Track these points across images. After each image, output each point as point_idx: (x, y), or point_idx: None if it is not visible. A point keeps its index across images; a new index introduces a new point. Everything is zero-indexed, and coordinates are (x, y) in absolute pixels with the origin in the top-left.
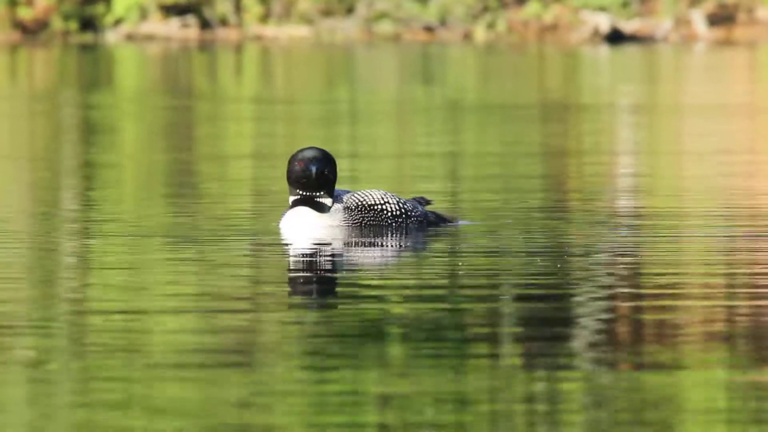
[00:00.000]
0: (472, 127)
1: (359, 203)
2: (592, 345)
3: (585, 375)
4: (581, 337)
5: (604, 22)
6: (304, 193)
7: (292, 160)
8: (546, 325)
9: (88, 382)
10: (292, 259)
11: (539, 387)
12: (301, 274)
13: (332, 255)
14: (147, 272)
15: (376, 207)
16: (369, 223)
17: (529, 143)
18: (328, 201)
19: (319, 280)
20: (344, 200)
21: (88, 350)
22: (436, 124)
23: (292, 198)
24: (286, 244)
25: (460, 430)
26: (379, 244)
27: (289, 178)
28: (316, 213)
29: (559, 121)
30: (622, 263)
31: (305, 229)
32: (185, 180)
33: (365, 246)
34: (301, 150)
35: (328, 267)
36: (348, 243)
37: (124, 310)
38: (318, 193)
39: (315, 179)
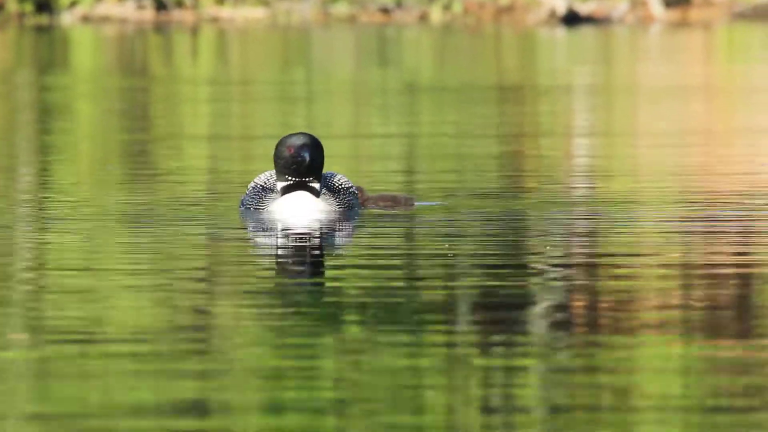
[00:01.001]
0: (428, 109)
1: (338, 186)
2: (548, 325)
3: (540, 354)
4: (536, 317)
5: (560, 4)
6: (295, 179)
7: (281, 146)
8: (501, 306)
9: (44, 362)
10: (278, 241)
11: (495, 366)
12: (268, 256)
13: (304, 237)
14: (104, 253)
15: (350, 189)
16: (350, 205)
17: (486, 125)
18: (317, 185)
19: (282, 262)
20: (326, 183)
21: (44, 331)
22: (392, 105)
23: (281, 183)
24: (275, 228)
25: (415, 410)
26: (353, 226)
27: (277, 164)
28: (315, 198)
29: (515, 103)
30: (577, 244)
31: (305, 214)
32: (142, 160)
33: (341, 229)
34: (290, 136)
35: (296, 249)
36: (332, 226)
37: (81, 290)
38: (309, 178)
39: (308, 165)
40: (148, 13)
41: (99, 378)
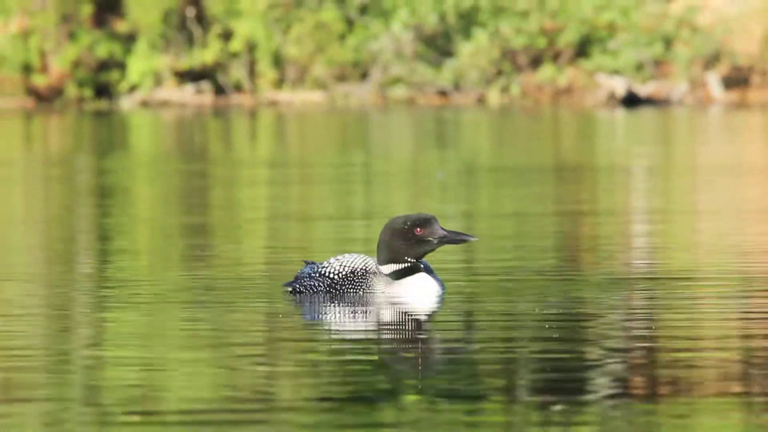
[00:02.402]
0: (486, 190)
1: (430, 268)
2: (607, 398)
3: (598, 423)
4: (596, 391)
5: (619, 86)
6: (412, 261)
7: (410, 226)
8: (560, 378)
9: None
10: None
11: None
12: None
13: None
14: (163, 338)
15: None
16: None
17: (544, 205)
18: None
19: (355, 342)
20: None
21: (103, 405)
22: (451, 186)
23: (396, 266)
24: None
25: None
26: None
27: (396, 245)
28: (434, 280)
29: (574, 183)
30: (636, 323)
31: (428, 297)
32: (201, 242)
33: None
34: (416, 216)
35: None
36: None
37: (140, 375)
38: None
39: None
40: (207, 98)
41: None
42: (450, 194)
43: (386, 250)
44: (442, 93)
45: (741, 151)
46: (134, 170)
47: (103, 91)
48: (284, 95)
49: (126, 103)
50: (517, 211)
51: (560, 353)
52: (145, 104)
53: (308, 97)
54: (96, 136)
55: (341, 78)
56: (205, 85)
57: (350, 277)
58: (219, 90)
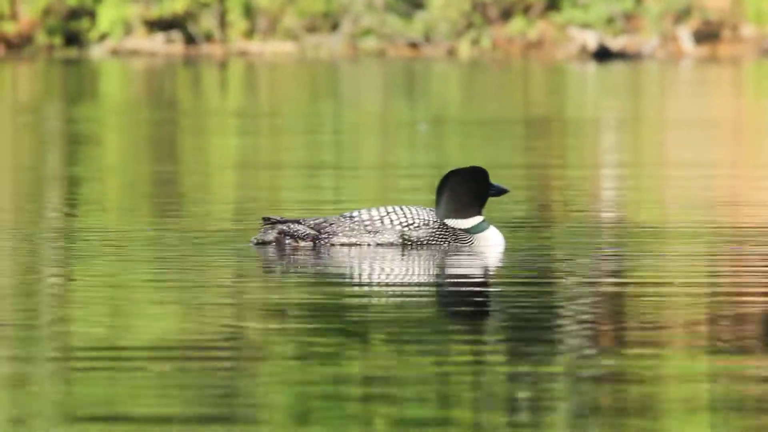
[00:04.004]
0: (455, 142)
1: None
2: (574, 342)
3: (568, 370)
4: (563, 337)
5: (591, 39)
6: (479, 214)
7: (482, 181)
8: (528, 331)
9: (68, 391)
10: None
11: (522, 384)
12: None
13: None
14: (131, 286)
15: None
16: None
17: (514, 157)
18: None
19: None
20: None
21: (70, 363)
22: (419, 138)
23: (477, 218)
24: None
25: (443, 419)
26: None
27: (481, 197)
28: None
29: (543, 136)
30: (605, 274)
31: (500, 248)
32: (169, 191)
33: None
34: (480, 169)
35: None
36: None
37: (107, 325)
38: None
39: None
40: (178, 47)
41: (125, 390)
42: (420, 145)
43: (469, 202)
44: (413, 45)
45: (711, 105)
46: (103, 119)
47: (73, 39)
48: (255, 45)
49: (96, 52)
50: (487, 163)
51: (527, 307)
52: (115, 53)
53: (279, 47)
54: (65, 85)
55: (312, 29)
56: (176, 35)
57: (436, 229)
58: (189, 39)
